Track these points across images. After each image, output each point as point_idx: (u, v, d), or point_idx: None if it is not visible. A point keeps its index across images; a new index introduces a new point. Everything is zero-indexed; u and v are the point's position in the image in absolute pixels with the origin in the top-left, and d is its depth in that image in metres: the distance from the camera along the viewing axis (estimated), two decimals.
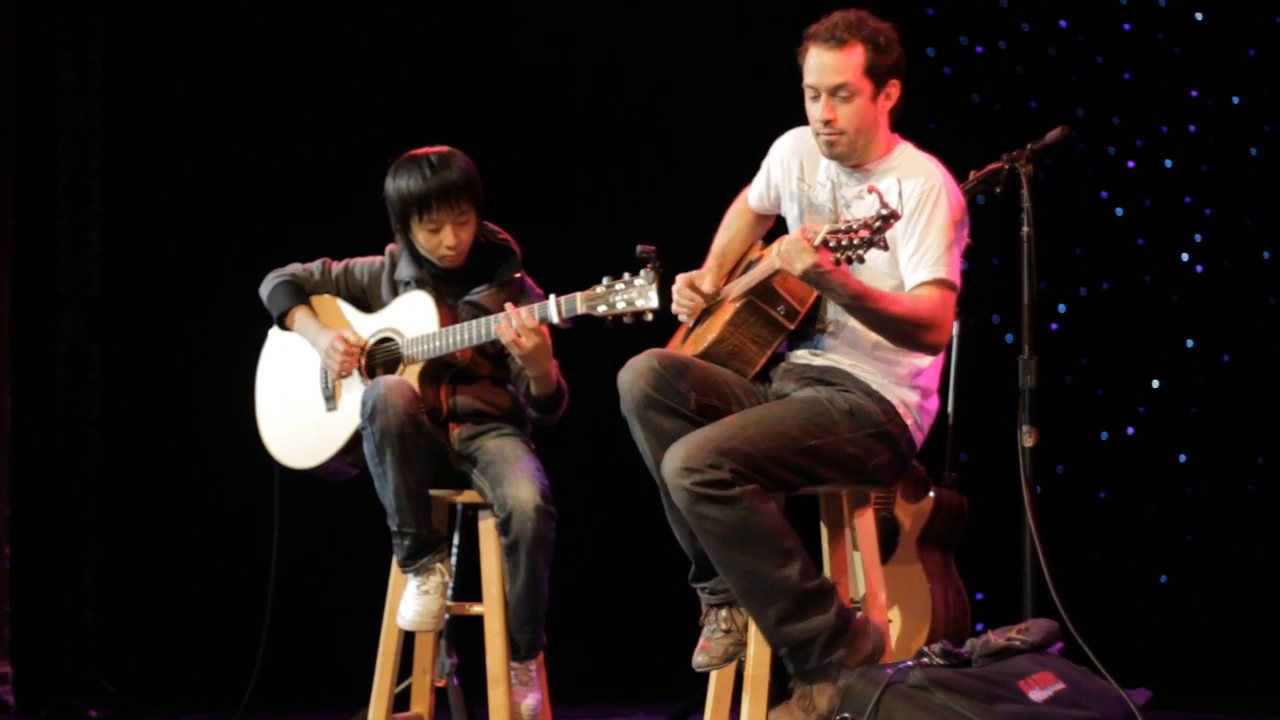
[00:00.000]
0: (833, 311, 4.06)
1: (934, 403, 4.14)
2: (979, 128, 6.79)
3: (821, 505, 4.23)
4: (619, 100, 6.74)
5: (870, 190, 3.80)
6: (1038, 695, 3.82)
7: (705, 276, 4.24)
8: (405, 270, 4.57)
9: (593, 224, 6.61)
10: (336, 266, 4.69)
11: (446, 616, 4.47)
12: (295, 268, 4.69)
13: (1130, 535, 6.89)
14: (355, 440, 4.45)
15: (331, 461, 4.56)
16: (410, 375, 4.45)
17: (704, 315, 4.22)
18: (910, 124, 4.14)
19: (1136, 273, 6.94)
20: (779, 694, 3.98)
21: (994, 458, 4.98)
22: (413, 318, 4.51)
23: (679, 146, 6.75)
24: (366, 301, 4.66)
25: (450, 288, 4.55)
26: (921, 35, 6.63)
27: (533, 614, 4.41)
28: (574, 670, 5.77)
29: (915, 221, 3.94)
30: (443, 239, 4.46)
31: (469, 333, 4.40)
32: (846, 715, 3.77)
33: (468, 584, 4.61)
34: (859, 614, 3.99)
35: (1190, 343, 6.95)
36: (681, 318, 4.25)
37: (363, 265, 4.68)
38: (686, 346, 4.16)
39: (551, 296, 4.34)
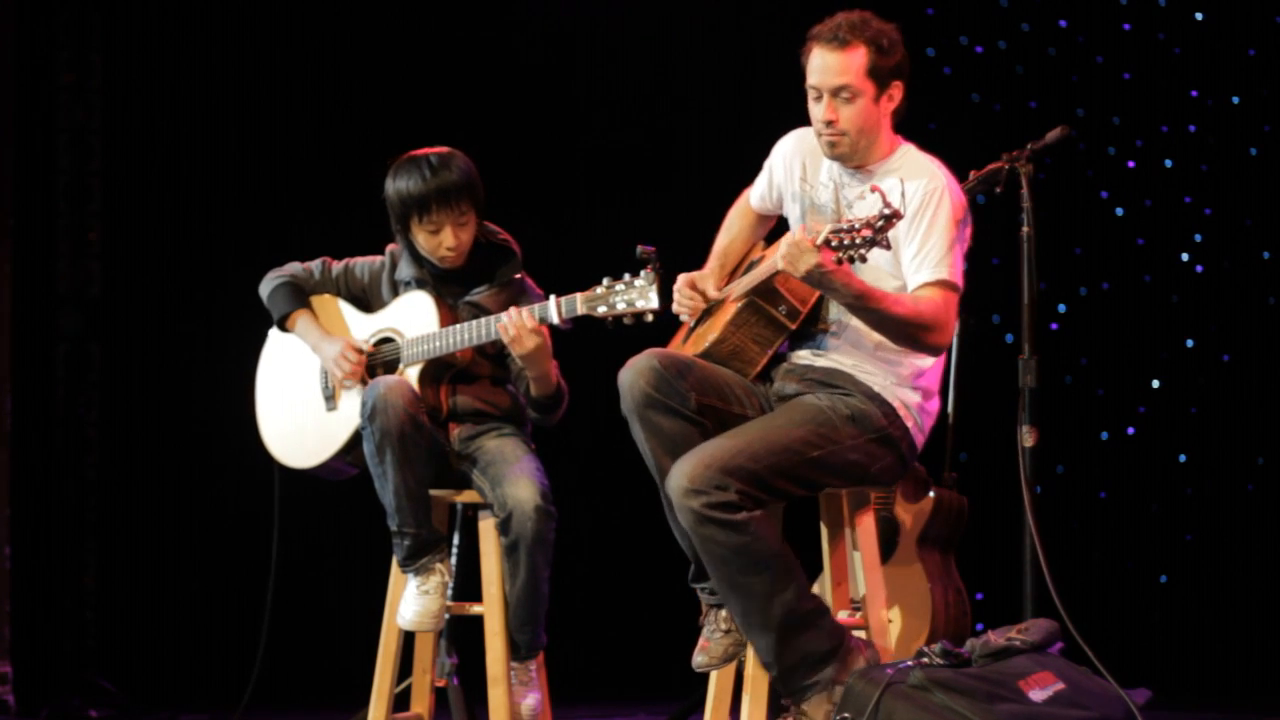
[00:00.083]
0: (835, 311, 4.06)
1: (935, 404, 4.15)
2: (979, 128, 6.79)
3: (821, 505, 4.23)
4: (619, 100, 6.74)
5: (873, 189, 3.80)
6: (1038, 695, 3.82)
7: (707, 277, 4.24)
8: (405, 270, 4.57)
9: (593, 224, 6.61)
10: (337, 266, 4.69)
11: (446, 616, 4.47)
12: (295, 267, 4.69)
13: (1130, 535, 6.89)
14: (355, 440, 4.45)
15: (331, 461, 4.56)
16: (410, 375, 4.45)
17: (705, 315, 4.22)
18: (910, 124, 4.14)
19: (1136, 273, 6.94)
20: (779, 695, 3.98)
21: (994, 458, 4.98)
22: (413, 318, 4.51)
23: (679, 146, 6.75)
24: (367, 301, 4.66)
25: (450, 288, 4.55)
26: (921, 35, 6.62)
27: (533, 614, 4.41)
28: (574, 670, 5.76)
29: (918, 222, 3.94)
30: (443, 240, 4.46)
31: (469, 333, 4.40)
32: (846, 715, 3.78)
33: (468, 584, 4.61)
34: (853, 633, 3.99)
35: (1190, 343, 6.95)
36: (683, 318, 4.25)
37: (363, 265, 4.68)
38: (687, 346, 4.16)
39: (552, 297, 4.34)
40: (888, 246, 3.77)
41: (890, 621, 4.93)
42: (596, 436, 6.17)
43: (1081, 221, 6.88)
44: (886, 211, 3.70)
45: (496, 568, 4.42)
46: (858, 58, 3.97)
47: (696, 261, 4.31)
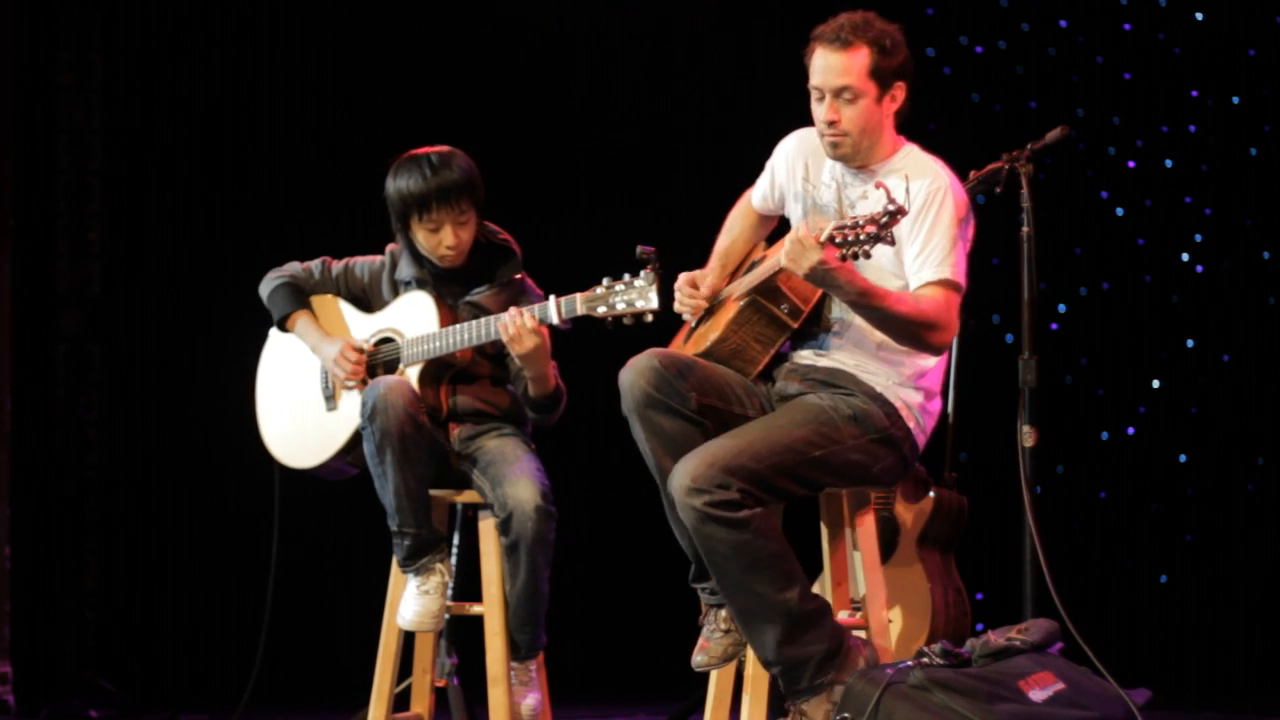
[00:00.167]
0: (837, 311, 4.06)
1: (936, 404, 4.14)
2: (979, 128, 6.78)
3: (821, 505, 4.23)
4: (618, 100, 6.74)
5: (878, 186, 3.80)
6: (1038, 695, 3.82)
7: (708, 276, 4.24)
8: (406, 270, 4.57)
9: (593, 224, 6.60)
10: (337, 266, 4.69)
11: (446, 616, 4.47)
12: (295, 267, 4.69)
13: (1130, 535, 6.89)
14: (355, 440, 4.45)
15: (331, 461, 4.56)
16: (410, 375, 4.45)
17: (707, 315, 4.22)
18: (910, 124, 4.14)
19: (1136, 273, 6.94)
20: (778, 695, 3.98)
21: (994, 458, 4.98)
22: (413, 318, 4.51)
23: (679, 146, 6.75)
24: (367, 301, 4.66)
25: (450, 288, 4.55)
26: (921, 35, 6.61)
27: (533, 614, 4.41)
28: (574, 670, 5.77)
29: (921, 222, 3.94)
30: (443, 239, 4.46)
31: (469, 333, 4.40)
32: (846, 715, 3.78)
33: (468, 584, 4.61)
34: (853, 633, 3.99)
35: (1190, 343, 6.95)
36: (685, 317, 4.25)
37: (363, 264, 4.68)
38: (689, 346, 4.16)
39: (551, 297, 4.34)
40: (891, 242, 3.76)
41: (890, 621, 4.93)
42: (596, 436, 6.18)
43: (1081, 221, 6.88)
44: (891, 208, 3.70)
45: (496, 568, 4.42)
46: (860, 58, 3.97)
47: (696, 261, 4.31)
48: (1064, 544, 6.55)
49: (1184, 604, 6.84)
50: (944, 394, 4.23)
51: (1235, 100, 6.93)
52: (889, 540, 5.50)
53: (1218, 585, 6.85)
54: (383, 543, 4.42)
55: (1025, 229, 4.24)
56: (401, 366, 4.49)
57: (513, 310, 4.34)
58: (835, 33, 3.98)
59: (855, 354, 4.05)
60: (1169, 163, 6.96)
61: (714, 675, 4.16)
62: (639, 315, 4.22)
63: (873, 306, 3.87)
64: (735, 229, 4.36)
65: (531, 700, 4.45)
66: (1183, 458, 6.91)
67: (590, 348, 4.74)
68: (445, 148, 4.51)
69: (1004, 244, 4.51)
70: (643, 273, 4.21)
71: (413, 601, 4.38)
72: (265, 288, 4.68)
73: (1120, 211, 6.95)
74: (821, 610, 3.90)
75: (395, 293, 4.60)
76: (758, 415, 4.04)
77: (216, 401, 5.92)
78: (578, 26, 6.71)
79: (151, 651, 6.31)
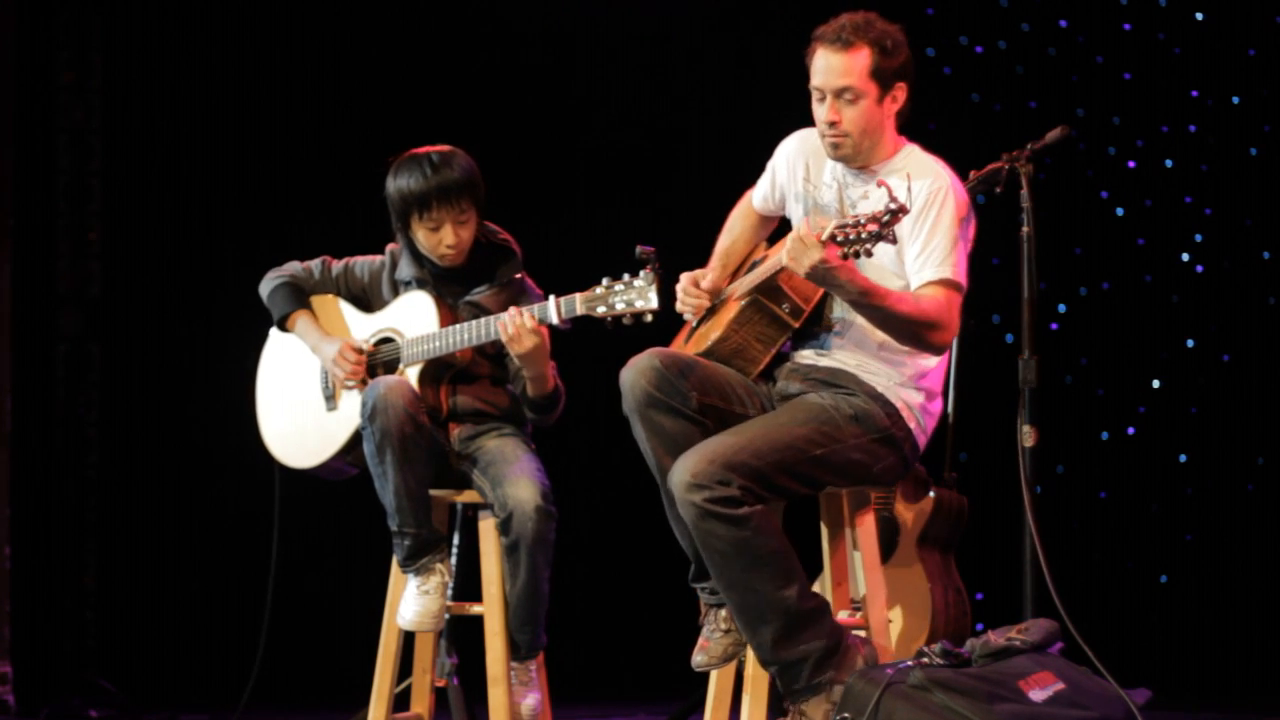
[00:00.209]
0: (839, 310, 4.06)
1: (937, 405, 4.15)
2: (979, 128, 6.78)
3: (821, 505, 4.23)
4: (619, 100, 6.74)
5: (880, 184, 3.79)
6: (1038, 695, 3.82)
7: (709, 276, 4.24)
8: (406, 270, 4.57)
9: (593, 224, 6.60)
10: (337, 265, 4.69)
11: (446, 616, 4.47)
12: (295, 267, 4.69)
13: (1130, 535, 6.88)
14: (355, 440, 4.45)
15: (331, 461, 4.56)
16: (410, 375, 4.45)
17: (708, 314, 4.22)
18: (910, 124, 4.14)
19: (1136, 273, 6.94)
20: (778, 695, 3.98)
21: (994, 458, 4.98)
22: (413, 318, 4.51)
23: (680, 146, 6.75)
24: (367, 300, 4.66)
25: (451, 288, 4.55)
26: (922, 35, 6.59)
27: (533, 614, 4.41)
28: (574, 670, 5.77)
29: (922, 221, 3.94)
30: (443, 238, 4.46)
31: (469, 333, 4.40)
32: (846, 715, 3.77)
33: (468, 584, 4.61)
34: (852, 632, 3.99)
35: (1190, 343, 6.94)
36: (686, 316, 4.25)
37: (363, 264, 4.68)
38: (690, 345, 4.16)
39: (551, 297, 4.34)
40: (893, 241, 3.76)
41: (890, 621, 4.93)
42: (596, 436, 6.18)
43: (1081, 221, 6.88)
44: (893, 206, 3.70)
45: (496, 568, 4.41)
46: (861, 59, 3.97)
47: (696, 261, 4.30)
48: (1064, 544, 6.55)
49: (1184, 604, 6.84)
50: (944, 394, 4.23)
51: (1235, 100, 6.93)
52: (889, 540, 5.50)
53: (1218, 585, 6.84)
54: (383, 543, 4.42)
55: (1025, 229, 4.24)
56: (401, 366, 4.49)
57: (512, 310, 4.34)
58: (836, 33, 3.98)
59: (856, 354, 4.05)
60: (1169, 163, 6.95)
61: (714, 675, 4.16)
62: (639, 315, 4.22)
63: (874, 306, 3.87)
64: (736, 229, 4.36)
65: (531, 700, 4.45)
66: (1183, 458, 6.91)
67: (590, 348, 4.74)
68: (446, 147, 4.51)
69: (1004, 244, 4.51)
70: (642, 273, 4.21)
71: (413, 601, 4.37)
72: (265, 287, 4.68)
73: (1120, 211, 6.95)
74: (820, 609, 3.90)
75: (395, 292, 4.60)
76: (759, 415, 4.04)
77: (216, 401, 5.92)
78: (578, 26, 6.71)
79: (151, 651, 6.31)
